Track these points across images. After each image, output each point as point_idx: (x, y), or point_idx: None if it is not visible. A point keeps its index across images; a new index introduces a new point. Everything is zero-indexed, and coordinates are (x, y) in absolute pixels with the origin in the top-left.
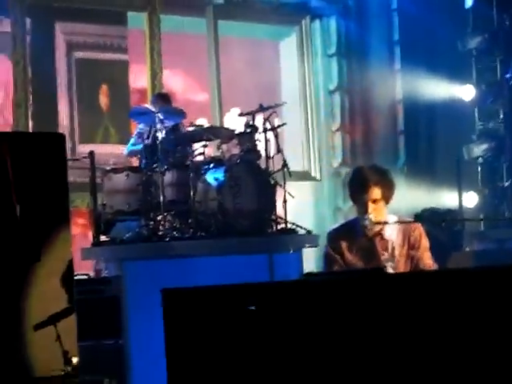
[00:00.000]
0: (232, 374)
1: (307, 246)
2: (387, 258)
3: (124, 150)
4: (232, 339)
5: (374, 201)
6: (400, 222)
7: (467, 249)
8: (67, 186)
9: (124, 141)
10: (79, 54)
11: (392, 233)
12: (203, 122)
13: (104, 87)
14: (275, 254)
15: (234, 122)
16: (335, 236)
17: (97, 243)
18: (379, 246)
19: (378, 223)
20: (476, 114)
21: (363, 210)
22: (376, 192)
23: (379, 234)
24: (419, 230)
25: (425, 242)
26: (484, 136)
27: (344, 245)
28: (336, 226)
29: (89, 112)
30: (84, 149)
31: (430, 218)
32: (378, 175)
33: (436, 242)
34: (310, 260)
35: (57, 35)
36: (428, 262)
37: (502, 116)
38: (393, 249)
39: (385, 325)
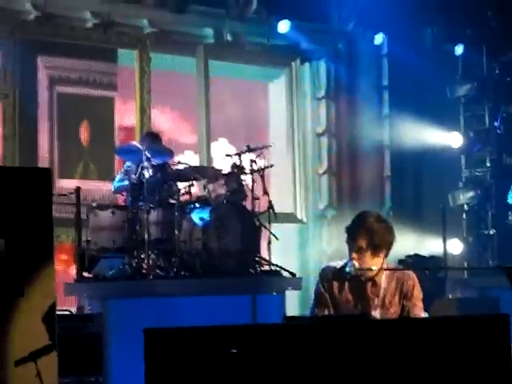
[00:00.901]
0: None
1: (290, 288)
2: (377, 304)
3: (105, 186)
4: (213, 381)
5: (359, 249)
6: (387, 268)
7: (450, 296)
8: (52, 221)
9: (104, 177)
10: (61, 89)
11: (385, 280)
12: (190, 154)
13: (85, 123)
14: (258, 295)
15: (221, 152)
16: (328, 275)
17: (80, 279)
18: (370, 292)
19: (361, 270)
20: (463, 162)
21: (350, 255)
22: (361, 241)
23: (372, 279)
24: (413, 280)
25: (417, 293)
26: (470, 183)
27: (335, 285)
28: (331, 264)
29: (69, 147)
30: (62, 184)
31: (413, 264)
32: (372, 223)
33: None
34: (293, 302)
35: (39, 69)
36: (419, 313)
37: (488, 164)
38: (384, 296)
39: (364, 371)
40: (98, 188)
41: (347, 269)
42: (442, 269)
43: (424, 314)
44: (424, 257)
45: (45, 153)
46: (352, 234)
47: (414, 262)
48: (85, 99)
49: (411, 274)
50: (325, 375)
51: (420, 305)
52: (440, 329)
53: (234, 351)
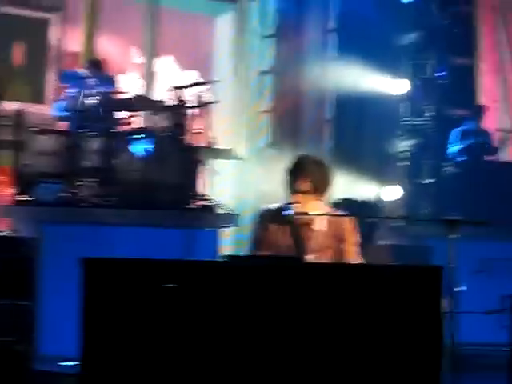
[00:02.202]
0: (144, 347)
1: (226, 224)
2: (313, 248)
3: (40, 109)
4: (147, 313)
5: (303, 192)
6: (325, 214)
7: (382, 242)
8: None
9: (38, 100)
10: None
11: (322, 224)
12: (134, 76)
13: (19, 44)
14: (193, 230)
15: (165, 71)
16: (266, 217)
17: (17, 203)
18: (306, 235)
19: (299, 214)
20: (404, 110)
21: (290, 198)
22: (304, 184)
23: (308, 223)
24: (349, 224)
25: (352, 237)
26: (410, 132)
27: (273, 227)
28: (268, 207)
29: (1, 68)
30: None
31: (346, 208)
32: (311, 167)
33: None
34: (228, 239)
35: None
36: (352, 257)
37: (430, 114)
38: (320, 239)
39: (296, 314)
40: (35, 111)
41: (287, 212)
42: (378, 217)
43: (359, 260)
44: (356, 201)
45: None
46: (293, 176)
47: (348, 206)
48: (20, 20)
49: (348, 218)
50: (256, 316)
51: (354, 249)
52: (372, 276)
53: (171, 286)
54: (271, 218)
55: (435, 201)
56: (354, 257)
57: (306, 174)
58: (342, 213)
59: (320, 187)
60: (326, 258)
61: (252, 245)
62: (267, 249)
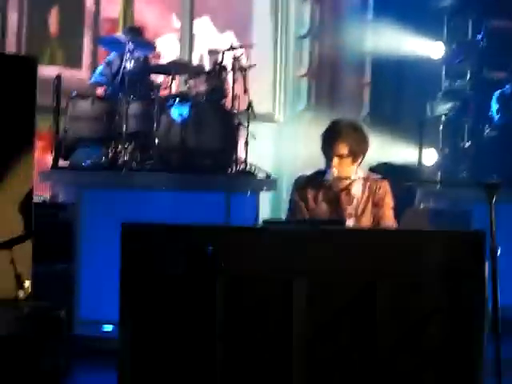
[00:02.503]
0: (180, 316)
1: (265, 189)
2: (351, 212)
3: (77, 74)
4: (185, 280)
5: (340, 156)
6: (364, 178)
7: (422, 206)
8: (34, 110)
9: (71, 65)
10: None
11: (359, 188)
12: (172, 37)
13: (54, 9)
14: (233, 194)
15: (204, 29)
16: (303, 184)
17: (56, 167)
18: (344, 201)
19: (340, 178)
20: (443, 73)
21: (328, 163)
22: (342, 147)
23: (346, 188)
24: (385, 188)
25: (389, 201)
26: (449, 95)
27: (310, 194)
28: (305, 173)
29: (37, 31)
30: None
31: (385, 172)
32: (348, 131)
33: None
34: (266, 204)
35: None
36: (389, 221)
37: (468, 77)
38: (357, 204)
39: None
40: (73, 75)
41: (326, 177)
42: (416, 181)
43: (394, 223)
44: (396, 165)
45: (11, 35)
46: (330, 141)
47: (386, 170)
48: None
49: (383, 182)
50: (301, 280)
51: (390, 213)
52: (412, 241)
53: (211, 248)
54: (308, 184)
55: (475, 164)
56: (390, 221)
57: (344, 138)
58: (379, 177)
59: (357, 151)
60: (363, 222)
61: (290, 212)
62: (304, 215)
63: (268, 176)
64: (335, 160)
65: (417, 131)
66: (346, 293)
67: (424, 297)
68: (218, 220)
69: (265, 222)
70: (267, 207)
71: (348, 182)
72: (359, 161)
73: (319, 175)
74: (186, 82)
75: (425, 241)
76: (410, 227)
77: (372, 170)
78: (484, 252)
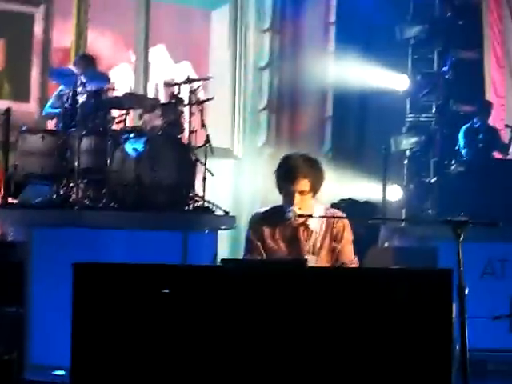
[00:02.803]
0: (135, 356)
1: (223, 227)
2: (308, 249)
3: (23, 107)
4: (139, 320)
5: (301, 192)
6: (326, 216)
7: (386, 244)
8: None
9: (19, 98)
10: None
11: (317, 223)
12: (125, 67)
13: (1, 41)
14: (190, 233)
15: (159, 59)
16: (259, 221)
17: (5, 205)
18: (302, 236)
19: (302, 216)
20: (408, 106)
21: (289, 200)
22: (304, 184)
23: (304, 223)
24: (343, 221)
25: (347, 235)
26: (414, 129)
27: (267, 232)
28: (261, 210)
29: None
30: None
31: (347, 209)
32: (307, 166)
33: (355, 234)
34: (225, 242)
35: None
36: (349, 256)
37: (434, 110)
38: (315, 240)
39: (296, 319)
40: (22, 109)
41: (287, 215)
42: (382, 219)
43: (355, 258)
44: (358, 201)
45: None
46: (290, 177)
47: (348, 207)
48: (5, 15)
49: (340, 215)
50: (256, 321)
51: (350, 247)
52: (377, 280)
53: (166, 291)
54: (264, 221)
55: (441, 201)
56: (349, 256)
57: (304, 174)
58: (336, 211)
59: (317, 186)
60: (321, 259)
61: (246, 252)
62: (260, 254)
63: (226, 213)
64: (297, 197)
65: (381, 166)
66: (302, 336)
67: (387, 338)
68: (175, 260)
69: (223, 261)
70: (226, 246)
71: (306, 217)
72: (316, 195)
73: (276, 212)
74: (140, 115)
75: (389, 280)
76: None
77: (334, 206)
78: (451, 292)
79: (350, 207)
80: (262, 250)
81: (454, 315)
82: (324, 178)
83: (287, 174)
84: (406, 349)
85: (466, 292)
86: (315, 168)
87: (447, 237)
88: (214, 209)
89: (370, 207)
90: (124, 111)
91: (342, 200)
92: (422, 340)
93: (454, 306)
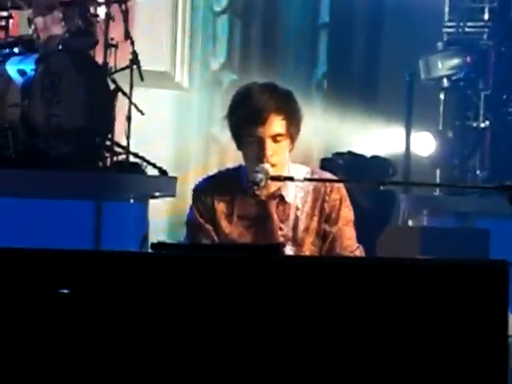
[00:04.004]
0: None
1: (158, 194)
2: (286, 233)
3: None
4: (37, 324)
5: (274, 137)
6: (313, 179)
7: (410, 223)
8: None
9: None
10: None
11: (298, 194)
12: None
13: None
14: (106, 202)
15: None
16: (206, 193)
17: None
18: (276, 215)
19: (278, 179)
20: (446, 10)
21: (255, 154)
22: (277, 123)
23: (277, 194)
24: (339, 192)
25: (347, 213)
26: (456, 45)
27: (219, 207)
28: (208, 177)
29: None
30: None
31: (344, 168)
32: (278, 98)
33: (357, 209)
34: (162, 217)
35: None
36: (349, 244)
37: (487, 16)
38: (296, 219)
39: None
40: None
41: (255, 177)
42: (403, 184)
43: (358, 248)
44: (363, 156)
45: None
46: (257, 115)
47: (347, 165)
48: None
49: (335, 182)
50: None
51: (351, 231)
52: (395, 277)
53: (65, 291)
54: (214, 193)
55: (495, 157)
56: (350, 244)
57: (278, 108)
58: (330, 175)
59: (295, 128)
60: (306, 247)
61: (188, 236)
62: (210, 238)
63: (163, 172)
64: (270, 144)
65: (403, 103)
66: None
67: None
68: (83, 243)
69: (154, 246)
70: (163, 223)
71: (280, 184)
72: (293, 146)
73: (231, 177)
74: (30, 20)
75: (414, 276)
76: (393, 254)
77: (325, 166)
78: (506, 293)
79: (349, 166)
80: (214, 234)
81: (510, 331)
82: (301, 116)
83: (251, 113)
84: (444, 376)
85: None
86: (289, 101)
87: (504, 212)
88: (144, 166)
89: (382, 165)
90: (4, 13)
91: (337, 154)
92: (463, 365)
93: (511, 318)
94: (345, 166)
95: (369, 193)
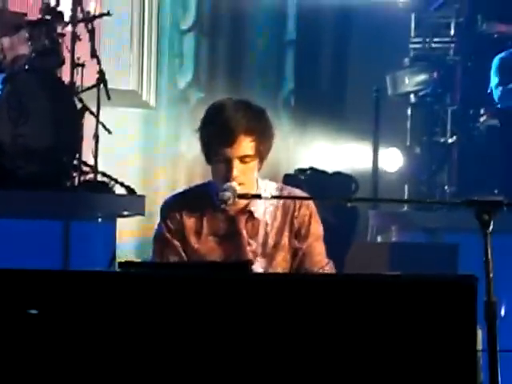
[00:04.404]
0: None
1: (126, 213)
2: (256, 249)
3: None
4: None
5: (243, 159)
6: (281, 196)
7: (379, 239)
8: None
9: None
10: None
11: (267, 209)
12: None
13: None
14: (74, 222)
15: None
16: (175, 209)
17: None
18: (245, 230)
19: (245, 197)
20: (412, 25)
21: (223, 173)
22: (246, 145)
23: (247, 210)
24: (309, 207)
25: (316, 228)
26: (422, 61)
27: (188, 223)
28: (176, 193)
29: None
30: None
31: (308, 185)
32: (249, 117)
33: (323, 224)
34: (129, 236)
35: None
36: (319, 259)
37: (453, 31)
38: (266, 235)
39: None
40: None
41: (223, 195)
42: (370, 200)
43: (328, 263)
44: (324, 172)
45: None
46: (227, 135)
47: (309, 181)
48: None
49: (303, 195)
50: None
51: (320, 248)
52: (364, 293)
53: (34, 312)
54: (183, 209)
55: (463, 172)
56: (320, 260)
57: (248, 129)
58: (298, 190)
59: (264, 148)
60: (277, 263)
61: (156, 253)
62: (179, 256)
63: (131, 191)
64: (237, 165)
65: (370, 119)
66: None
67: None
68: (51, 263)
69: (122, 264)
70: (130, 242)
71: (250, 201)
72: (262, 165)
73: (200, 194)
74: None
75: (382, 293)
76: (362, 270)
77: (286, 181)
78: (475, 310)
79: (311, 182)
80: (181, 251)
81: (479, 346)
82: (273, 135)
83: (220, 132)
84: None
85: (502, 312)
86: (261, 120)
87: (471, 227)
88: (112, 184)
89: (344, 181)
90: None
91: (299, 170)
92: (432, 382)
93: (480, 333)
94: (307, 182)
95: (332, 209)
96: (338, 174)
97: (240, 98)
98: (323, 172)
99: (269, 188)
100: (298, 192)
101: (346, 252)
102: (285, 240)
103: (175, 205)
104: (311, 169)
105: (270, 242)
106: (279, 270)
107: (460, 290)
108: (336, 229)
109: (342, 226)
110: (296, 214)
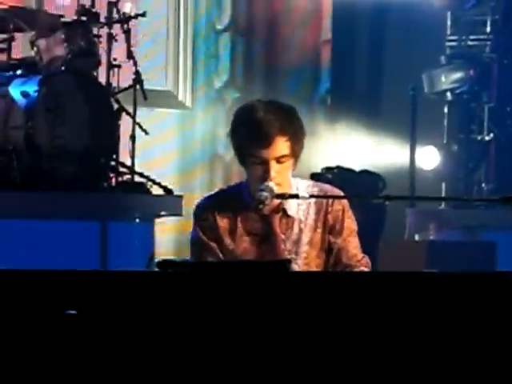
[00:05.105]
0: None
1: (164, 213)
2: (290, 247)
3: None
4: (43, 345)
5: (279, 159)
6: (319, 196)
7: (417, 237)
8: None
9: None
10: None
11: (300, 207)
12: None
13: None
14: (111, 223)
15: None
16: (208, 211)
17: None
18: (279, 228)
19: (283, 197)
20: (448, 22)
21: (260, 174)
22: (282, 146)
23: (279, 208)
24: (342, 202)
25: (350, 223)
26: (459, 59)
27: (222, 224)
28: (209, 195)
29: None
30: None
31: (336, 183)
32: (283, 118)
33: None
34: (167, 235)
35: None
36: (354, 252)
37: (489, 29)
38: (300, 233)
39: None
40: None
41: (260, 195)
42: (407, 198)
43: (364, 258)
44: (352, 171)
45: None
46: (262, 136)
47: (337, 179)
48: None
49: (336, 192)
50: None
51: (355, 241)
52: (403, 292)
53: (72, 312)
54: (217, 210)
55: (500, 169)
56: (356, 255)
57: (282, 130)
58: (329, 187)
59: (299, 148)
60: (311, 261)
61: (193, 256)
62: (216, 257)
63: (168, 192)
64: (274, 166)
65: (406, 117)
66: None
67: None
68: (89, 263)
69: (161, 264)
70: (169, 242)
71: (285, 200)
72: (296, 164)
73: (233, 195)
74: (32, 42)
75: (423, 290)
76: (400, 269)
77: (313, 180)
78: None
79: (338, 180)
80: (219, 252)
81: None
82: (305, 133)
83: (255, 134)
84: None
85: None
86: (293, 119)
87: (509, 224)
88: (150, 185)
89: (371, 180)
90: (6, 35)
91: (326, 169)
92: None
93: None
94: (334, 181)
95: (359, 206)
96: (365, 172)
97: (270, 100)
98: (350, 170)
99: (300, 186)
100: (329, 188)
101: (374, 250)
102: (318, 237)
103: (208, 207)
104: (338, 167)
105: (305, 238)
106: (313, 266)
107: (500, 287)
108: (363, 226)
109: (370, 223)
110: (329, 209)
